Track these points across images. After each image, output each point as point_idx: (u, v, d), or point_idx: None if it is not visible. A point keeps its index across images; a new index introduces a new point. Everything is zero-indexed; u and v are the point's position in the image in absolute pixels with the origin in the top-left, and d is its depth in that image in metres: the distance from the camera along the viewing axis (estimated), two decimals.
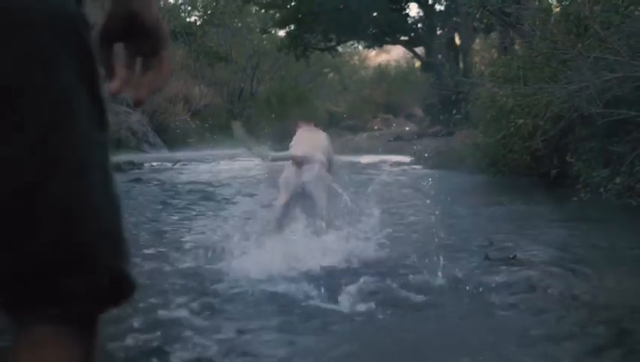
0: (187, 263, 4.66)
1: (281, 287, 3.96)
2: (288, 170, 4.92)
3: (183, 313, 3.53)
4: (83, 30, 1.06)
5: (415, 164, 14.15)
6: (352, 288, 3.90)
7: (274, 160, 5.13)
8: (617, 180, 6.77)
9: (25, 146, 0.99)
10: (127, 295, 1.13)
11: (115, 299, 1.12)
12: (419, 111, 35.34)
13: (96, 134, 1.09)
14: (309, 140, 5.28)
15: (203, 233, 5.92)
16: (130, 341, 3.04)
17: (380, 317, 3.47)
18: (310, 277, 4.18)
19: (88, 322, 1.11)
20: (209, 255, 4.64)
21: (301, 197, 4.88)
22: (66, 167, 1.03)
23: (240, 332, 3.23)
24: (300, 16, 23.98)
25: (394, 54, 40.36)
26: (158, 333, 3.15)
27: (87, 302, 1.08)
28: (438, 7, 24.95)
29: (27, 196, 1.00)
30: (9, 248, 1.02)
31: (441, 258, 4.71)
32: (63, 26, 1.02)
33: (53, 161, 1.02)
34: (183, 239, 5.70)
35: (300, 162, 4.86)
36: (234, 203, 8.29)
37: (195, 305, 3.65)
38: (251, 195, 8.92)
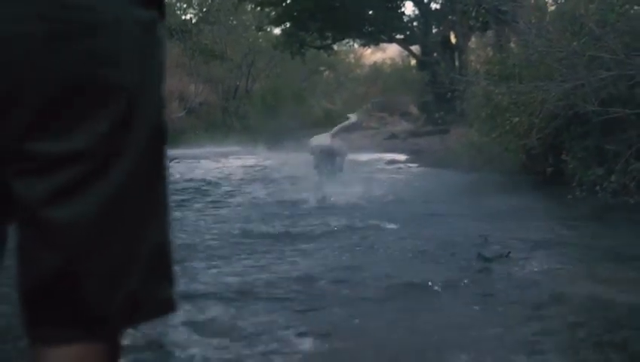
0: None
1: None
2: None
3: None
4: (148, 35, 1.07)
5: (410, 162, 14.16)
6: (346, 291, 3.90)
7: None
8: (612, 178, 6.77)
9: (89, 140, 1.00)
10: (161, 313, 1.13)
11: (148, 317, 1.12)
12: (414, 110, 35.33)
13: (158, 133, 1.11)
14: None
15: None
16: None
17: (374, 316, 3.46)
18: None
19: (114, 338, 1.10)
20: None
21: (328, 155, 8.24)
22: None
23: None
24: (295, 14, 23.92)
25: (389, 52, 40.30)
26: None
27: (118, 322, 1.08)
28: (433, 5, 24.94)
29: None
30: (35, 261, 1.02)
31: (435, 256, 4.72)
32: (131, 29, 1.03)
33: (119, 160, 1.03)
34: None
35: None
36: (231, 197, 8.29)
37: None
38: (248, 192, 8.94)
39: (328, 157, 8.35)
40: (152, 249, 1.09)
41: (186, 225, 6.34)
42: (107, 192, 1.02)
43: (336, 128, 8.82)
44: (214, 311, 3.55)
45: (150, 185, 1.09)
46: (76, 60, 0.99)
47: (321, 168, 8.31)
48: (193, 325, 3.28)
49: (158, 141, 1.11)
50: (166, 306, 1.13)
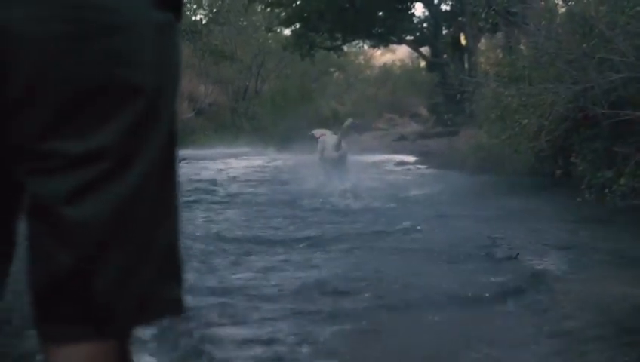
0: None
1: None
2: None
3: None
4: (165, 36, 1.08)
5: (419, 163, 14.15)
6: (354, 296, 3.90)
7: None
8: (622, 181, 6.75)
9: (108, 141, 1.02)
10: (170, 314, 1.14)
11: (157, 317, 1.14)
12: (424, 111, 35.30)
13: (171, 135, 1.12)
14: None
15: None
16: None
17: (382, 317, 3.47)
18: None
19: (124, 337, 1.11)
20: None
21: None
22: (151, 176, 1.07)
23: None
24: (305, 15, 23.93)
25: (399, 54, 40.31)
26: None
27: (129, 320, 1.10)
28: (443, 6, 24.93)
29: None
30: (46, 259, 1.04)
31: (444, 257, 4.73)
32: (150, 31, 1.05)
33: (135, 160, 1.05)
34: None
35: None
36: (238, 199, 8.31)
37: None
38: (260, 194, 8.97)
39: (339, 165, 9.21)
40: (162, 249, 1.11)
41: (196, 227, 6.36)
42: (123, 192, 1.03)
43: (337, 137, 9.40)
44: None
45: (163, 185, 1.11)
46: (96, 61, 1.00)
47: (331, 174, 9.15)
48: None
49: (171, 142, 1.12)
50: (175, 307, 1.14)
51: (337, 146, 9.15)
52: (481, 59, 21.84)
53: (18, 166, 1.03)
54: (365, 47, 32.68)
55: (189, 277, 4.22)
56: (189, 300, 3.65)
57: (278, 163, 13.02)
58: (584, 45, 7.23)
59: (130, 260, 1.06)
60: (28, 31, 0.96)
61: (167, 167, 1.12)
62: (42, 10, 0.97)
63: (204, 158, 15.73)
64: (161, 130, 1.09)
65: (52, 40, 0.98)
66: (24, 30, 0.96)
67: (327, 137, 9.52)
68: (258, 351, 2.99)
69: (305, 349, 3.01)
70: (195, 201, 8.19)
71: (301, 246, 5.40)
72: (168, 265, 1.12)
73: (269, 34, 28.38)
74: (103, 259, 1.04)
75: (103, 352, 1.07)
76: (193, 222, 6.53)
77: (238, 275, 4.41)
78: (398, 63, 41.80)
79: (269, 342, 3.08)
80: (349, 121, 10.09)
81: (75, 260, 1.03)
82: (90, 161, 1.01)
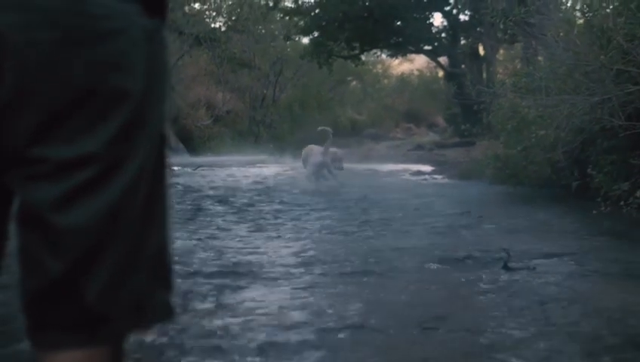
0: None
1: None
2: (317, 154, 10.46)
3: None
4: (153, 43, 1.10)
5: (436, 173, 14.13)
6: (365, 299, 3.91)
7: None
8: (638, 194, 6.71)
9: (99, 145, 1.03)
10: (161, 319, 1.15)
11: (149, 322, 1.14)
12: (441, 121, 35.27)
13: (161, 138, 1.14)
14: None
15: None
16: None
17: (396, 326, 3.47)
18: None
19: (117, 343, 1.11)
20: None
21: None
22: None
23: None
24: (323, 24, 24.01)
25: (417, 63, 40.30)
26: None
27: (121, 326, 1.10)
28: (462, 17, 24.94)
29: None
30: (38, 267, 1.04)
31: (460, 267, 4.73)
32: (138, 37, 1.07)
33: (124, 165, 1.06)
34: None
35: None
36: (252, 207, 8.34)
37: None
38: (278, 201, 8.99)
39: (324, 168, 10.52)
40: (153, 254, 1.11)
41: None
42: (112, 198, 1.03)
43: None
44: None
45: (153, 190, 1.11)
46: (85, 67, 1.01)
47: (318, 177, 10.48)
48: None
49: (161, 146, 1.13)
50: (165, 312, 1.15)
51: (323, 154, 10.41)
52: (500, 70, 21.82)
53: (7, 172, 1.03)
54: (383, 56, 32.69)
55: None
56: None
57: (295, 171, 13.01)
58: (602, 57, 7.20)
59: (120, 265, 1.06)
60: (15, 37, 0.97)
61: (157, 171, 1.12)
62: (30, 17, 0.98)
63: (220, 165, 15.78)
64: (150, 135, 1.10)
65: (40, 46, 0.99)
66: (12, 36, 0.97)
67: (313, 147, 10.83)
68: None
69: None
70: (199, 210, 8.20)
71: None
72: (159, 269, 1.13)
73: (288, 42, 28.49)
74: (93, 264, 1.04)
75: (95, 358, 1.07)
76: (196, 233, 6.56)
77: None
78: (415, 73, 41.79)
79: None
80: (320, 129, 11.00)
81: (65, 267, 1.03)
82: (79, 166, 1.01)
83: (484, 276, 4.50)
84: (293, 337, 3.21)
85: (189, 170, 14.45)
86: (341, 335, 3.28)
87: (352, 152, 17.59)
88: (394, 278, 4.51)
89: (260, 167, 16.03)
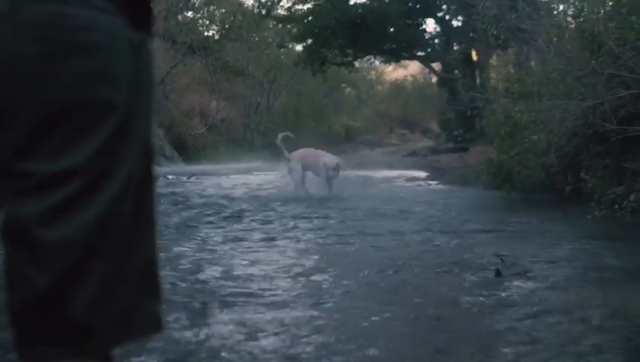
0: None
1: None
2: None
3: None
4: (138, 55, 1.10)
5: (430, 179, 14.15)
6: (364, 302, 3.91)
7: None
8: (632, 197, 6.73)
9: (84, 158, 1.02)
10: (150, 331, 1.14)
11: (137, 334, 1.13)
12: (435, 127, 35.31)
13: (147, 150, 1.14)
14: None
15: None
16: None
17: (390, 331, 3.48)
18: None
19: (104, 356, 1.11)
20: None
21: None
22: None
23: None
24: (317, 31, 24.01)
25: (410, 69, 40.38)
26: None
27: (109, 338, 1.09)
28: (454, 23, 24.96)
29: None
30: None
31: (453, 272, 4.73)
32: (123, 49, 1.07)
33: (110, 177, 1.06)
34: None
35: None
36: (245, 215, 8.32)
37: None
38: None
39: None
40: (140, 266, 1.10)
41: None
42: (98, 211, 1.03)
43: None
44: None
45: (140, 202, 1.11)
46: (71, 79, 1.01)
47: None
48: None
49: (147, 157, 1.13)
50: (154, 324, 1.14)
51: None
52: (493, 75, 21.86)
53: None
54: (377, 62, 32.71)
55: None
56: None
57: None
58: (593, 62, 7.23)
59: (107, 278, 1.05)
60: (2, 50, 0.98)
61: (144, 183, 1.12)
62: (15, 31, 0.98)
63: (214, 174, 15.75)
64: (136, 147, 1.09)
65: (25, 60, 0.99)
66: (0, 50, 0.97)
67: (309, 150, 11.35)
68: None
69: None
70: (190, 219, 8.18)
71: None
72: (147, 281, 1.12)
73: (281, 50, 28.49)
74: (79, 278, 1.03)
75: None
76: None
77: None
78: (409, 79, 41.85)
79: None
80: (281, 136, 11.69)
81: (51, 280, 1.02)
82: (65, 180, 1.01)
83: (476, 280, 4.51)
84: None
85: (184, 178, 14.42)
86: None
87: (346, 159, 17.58)
88: (386, 287, 4.51)
89: (255, 174, 16.02)
